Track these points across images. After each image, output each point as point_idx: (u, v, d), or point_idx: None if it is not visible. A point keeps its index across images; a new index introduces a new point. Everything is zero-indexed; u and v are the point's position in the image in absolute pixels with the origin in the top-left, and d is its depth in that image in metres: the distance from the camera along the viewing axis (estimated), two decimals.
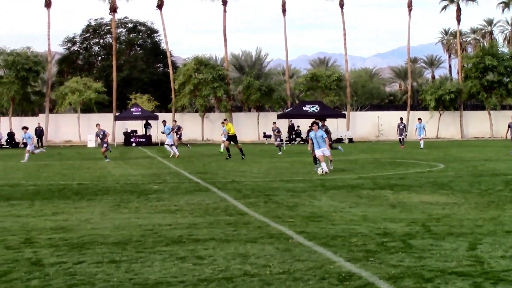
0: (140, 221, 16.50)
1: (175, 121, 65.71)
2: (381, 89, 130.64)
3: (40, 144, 79.89)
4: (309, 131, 32.99)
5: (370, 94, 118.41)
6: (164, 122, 50.01)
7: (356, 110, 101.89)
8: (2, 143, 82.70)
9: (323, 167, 30.23)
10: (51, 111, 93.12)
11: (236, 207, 19.13)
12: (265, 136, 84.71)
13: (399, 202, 19.60)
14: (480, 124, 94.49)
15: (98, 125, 48.64)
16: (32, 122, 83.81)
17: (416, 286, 9.75)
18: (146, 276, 10.62)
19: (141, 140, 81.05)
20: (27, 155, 45.79)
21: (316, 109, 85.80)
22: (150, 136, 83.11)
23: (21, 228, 15.81)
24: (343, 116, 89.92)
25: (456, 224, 15.26)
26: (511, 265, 11.08)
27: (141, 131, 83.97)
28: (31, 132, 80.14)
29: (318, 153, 30.57)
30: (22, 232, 15.19)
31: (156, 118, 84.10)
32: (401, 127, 61.99)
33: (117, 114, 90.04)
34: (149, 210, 18.78)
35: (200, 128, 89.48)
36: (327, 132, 34.25)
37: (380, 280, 10.13)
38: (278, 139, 43.40)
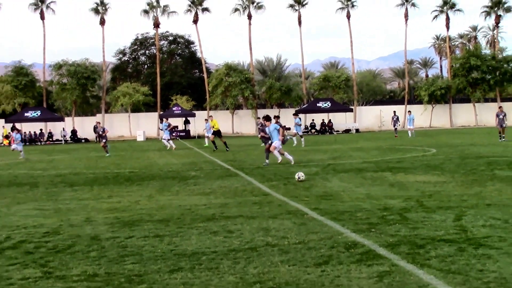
0: (180, 202, 16.59)
1: (165, 118, 62.44)
2: (382, 87, 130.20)
3: (98, 140, 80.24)
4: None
5: (374, 92, 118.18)
6: (162, 119, 49.11)
7: (361, 105, 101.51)
8: (66, 139, 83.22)
9: (278, 156, 28.45)
10: (106, 111, 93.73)
11: (260, 189, 19.17)
12: (285, 128, 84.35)
13: (397, 182, 19.56)
14: (466, 115, 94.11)
15: (98, 123, 48.68)
16: (90, 121, 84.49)
17: (410, 251, 9.76)
18: (185, 247, 10.70)
19: (181, 134, 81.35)
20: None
21: (328, 105, 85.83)
22: (189, 131, 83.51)
23: (82, 209, 15.96)
24: (351, 110, 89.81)
25: (445, 199, 15.23)
26: (490, 232, 11.07)
27: (181, 126, 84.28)
28: (91, 129, 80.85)
29: (273, 144, 28.48)
30: (83, 212, 15.33)
31: (193, 115, 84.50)
32: (394, 119, 61.85)
33: (161, 113, 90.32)
34: (187, 193, 18.86)
35: (231, 123, 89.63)
36: (280, 127, 34.15)
37: (380, 247, 10.14)
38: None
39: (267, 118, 30.16)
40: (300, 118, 50.29)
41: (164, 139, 47.93)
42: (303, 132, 59.99)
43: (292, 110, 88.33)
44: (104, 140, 42.99)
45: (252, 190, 18.82)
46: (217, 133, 44.66)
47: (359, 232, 11.53)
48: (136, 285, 8.40)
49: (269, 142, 29.17)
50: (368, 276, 8.46)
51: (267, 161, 28.40)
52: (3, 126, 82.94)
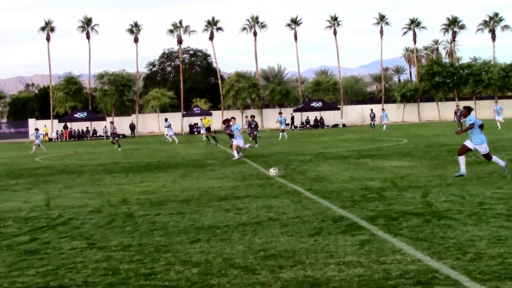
0: (199, 185, 16.53)
1: (167, 118, 59.26)
2: (364, 89, 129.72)
3: (132, 135, 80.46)
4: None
5: (356, 93, 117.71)
6: (166, 119, 48.78)
7: (347, 105, 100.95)
8: (107, 135, 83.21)
9: (234, 154, 26.02)
10: (139, 112, 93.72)
11: (264, 174, 19.08)
12: (285, 124, 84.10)
13: (376, 167, 19.45)
14: (431, 112, 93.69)
15: (112, 123, 48.08)
16: (127, 120, 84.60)
17: (386, 223, 9.69)
18: (202, 222, 10.65)
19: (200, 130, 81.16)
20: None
21: (320, 104, 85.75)
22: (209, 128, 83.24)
23: (119, 192, 15.92)
24: (338, 109, 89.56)
25: (414, 180, 15.14)
26: (451, 206, 10.99)
27: (200, 123, 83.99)
28: (127, 126, 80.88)
29: (234, 142, 26.43)
30: (120, 194, 15.29)
31: (210, 114, 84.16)
32: (371, 115, 61.18)
33: (183, 112, 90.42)
34: (205, 177, 18.80)
35: (241, 120, 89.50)
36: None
37: (362, 220, 10.07)
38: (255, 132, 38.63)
39: (227, 121, 30.03)
40: (284, 117, 49.69)
41: (167, 134, 47.31)
42: (287, 128, 60.04)
43: (290, 109, 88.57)
44: (116, 138, 42.52)
45: (257, 175, 18.76)
46: (208, 129, 45.64)
47: (345, 208, 11.46)
48: (163, 253, 8.35)
49: (231, 139, 27.70)
50: (352, 244, 8.39)
51: (234, 154, 26.30)
52: (45, 125, 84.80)
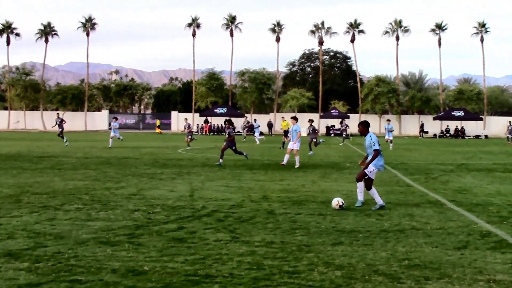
0: (338, 188, 16.47)
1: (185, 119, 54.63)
2: (509, 100, 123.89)
3: (270, 133, 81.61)
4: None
5: (501, 104, 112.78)
6: (186, 119, 45.73)
7: (490, 115, 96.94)
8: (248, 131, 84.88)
9: (284, 159, 23.89)
10: (277, 111, 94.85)
11: (404, 180, 18.73)
12: (423, 131, 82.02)
13: None
14: None
15: (185, 119, 46.56)
16: (265, 118, 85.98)
17: None
18: (344, 225, 10.59)
19: (337, 132, 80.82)
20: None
21: (461, 114, 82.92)
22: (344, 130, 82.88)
23: (260, 188, 16.18)
24: (481, 119, 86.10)
25: None
26: None
27: (337, 126, 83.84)
28: (266, 124, 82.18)
29: (289, 146, 24.04)
30: (260, 191, 15.53)
31: (348, 117, 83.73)
32: (509, 128, 57.46)
33: (321, 114, 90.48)
34: (344, 180, 18.71)
35: (378, 125, 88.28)
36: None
37: None
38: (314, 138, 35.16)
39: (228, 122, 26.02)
40: (392, 126, 44.05)
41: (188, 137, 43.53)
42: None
43: (430, 117, 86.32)
44: (189, 136, 41.34)
45: (397, 181, 18.42)
46: (285, 133, 45.21)
47: (492, 223, 11.00)
48: (305, 253, 8.39)
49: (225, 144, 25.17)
50: (503, 262, 8.03)
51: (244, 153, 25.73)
52: (157, 118, 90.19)
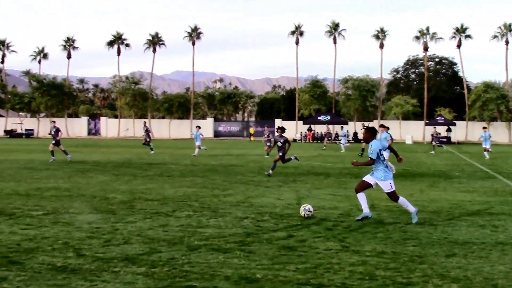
0: (448, 197, 16.03)
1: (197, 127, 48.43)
2: None
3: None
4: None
5: None
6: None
7: None
8: (349, 139, 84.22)
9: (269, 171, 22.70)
10: (381, 118, 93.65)
11: None
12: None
13: None
14: None
15: (267, 127, 44.55)
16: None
17: None
18: (456, 236, 10.27)
19: (443, 140, 78.75)
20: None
21: None
22: (449, 137, 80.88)
23: (367, 197, 15.89)
24: None
25: None
26: None
27: (443, 133, 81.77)
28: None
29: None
30: (368, 199, 15.12)
31: (454, 124, 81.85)
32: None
33: (426, 121, 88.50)
34: (453, 189, 18.20)
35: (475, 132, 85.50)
36: (287, 141, 23.86)
37: None
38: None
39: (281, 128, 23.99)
40: (489, 133, 39.97)
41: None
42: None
43: None
44: (268, 144, 39.24)
45: (510, 192, 17.71)
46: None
47: None
48: (418, 264, 8.21)
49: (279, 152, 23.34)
50: None
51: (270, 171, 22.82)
52: (250, 125, 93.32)
